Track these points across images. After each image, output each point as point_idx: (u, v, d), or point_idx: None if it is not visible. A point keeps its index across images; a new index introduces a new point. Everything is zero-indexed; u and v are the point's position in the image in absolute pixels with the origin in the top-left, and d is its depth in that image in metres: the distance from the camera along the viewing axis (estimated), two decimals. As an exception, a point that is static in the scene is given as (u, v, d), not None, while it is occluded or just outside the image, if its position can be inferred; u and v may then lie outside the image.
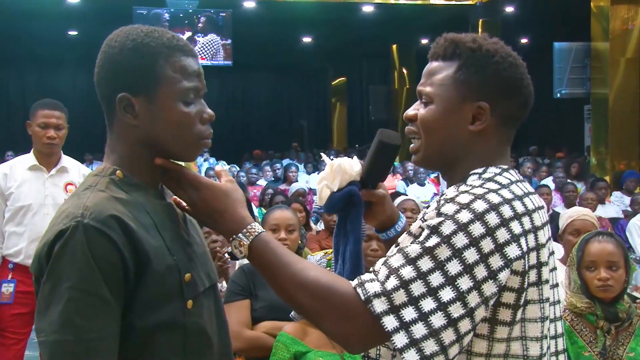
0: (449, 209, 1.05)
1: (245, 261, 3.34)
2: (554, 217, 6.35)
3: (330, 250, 4.20)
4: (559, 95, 10.67)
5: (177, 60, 1.12)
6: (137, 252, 1.03)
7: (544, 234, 1.11)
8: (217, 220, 1.12)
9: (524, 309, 1.07)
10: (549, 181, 8.55)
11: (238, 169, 10.69)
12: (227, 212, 1.12)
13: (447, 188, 1.18)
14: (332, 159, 1.31)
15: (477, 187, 1.08)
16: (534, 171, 9.45)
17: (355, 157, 1.32)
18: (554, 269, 1.18)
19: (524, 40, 15.38)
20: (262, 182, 9.31)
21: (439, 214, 1.05)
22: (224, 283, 3.14)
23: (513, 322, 1.06)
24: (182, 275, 1.10)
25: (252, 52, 14.19)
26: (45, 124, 3.02)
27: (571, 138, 12.95)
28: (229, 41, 10.67)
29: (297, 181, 8.41)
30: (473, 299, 1.01)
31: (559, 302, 1.20)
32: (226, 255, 3.42)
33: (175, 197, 1.18)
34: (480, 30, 12.36)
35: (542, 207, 1.15)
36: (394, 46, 15.56)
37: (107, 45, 1.14)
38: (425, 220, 1.07)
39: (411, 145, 1.23)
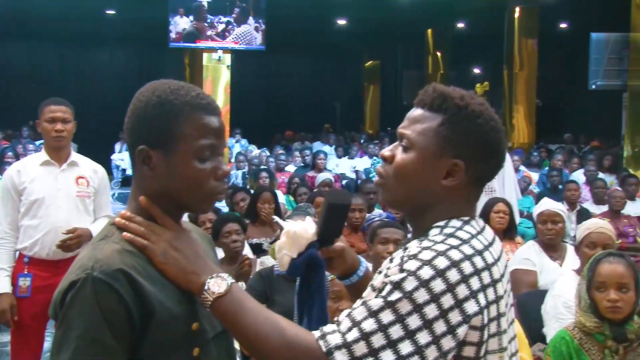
0: (411, 265, 1.08)
1: (264, 265, 3.39)
2: (582, 214, 6.29)
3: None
4: (594, 86, 10.44)
5: (197, 118, 1.17)
6: (143, 303, 1.10)
7: (502, 285, 1.14)
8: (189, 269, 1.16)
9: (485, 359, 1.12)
10: (580, 174, 8.43)
11: (268, 153, 10.78)
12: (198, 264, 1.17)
13: (411, 236, 1.23)
14: (285, 222, 1.35)
15: (439, 242, 1.11)
16: (565, 163, 9.32)
17: (308, 218, 1.36)
18: (510, 307, 1.22)
19: (562, 25, 15.02)
20: (290, 168, 9.38)
21: (401, 270, 1.08)
22: (244, 284, 3.24)
23: None
24: (189, 324, 1.16)
25: (286, 34, 14.18)
26: (52, 118, 3.13)
27: (608, 126, 12.66)
28: (263, 27, 10.70)
29: (326, 168, 8.47)
30: (431, 353, 1.04)
31: (514, 337, 1.24)
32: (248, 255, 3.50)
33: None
34: (517, 15, 12.13)
35: (500, 257, 1.19)
36: (429, 31, 15.36)
37: (136, 98, 1.21)
38: (388, 276, 1.10)
39: (377, 191, 1.25)
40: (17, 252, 3.19)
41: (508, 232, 4.47)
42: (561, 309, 2.89)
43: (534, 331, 3.01)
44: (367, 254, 4.23)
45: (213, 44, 10.97)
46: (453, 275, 1.06)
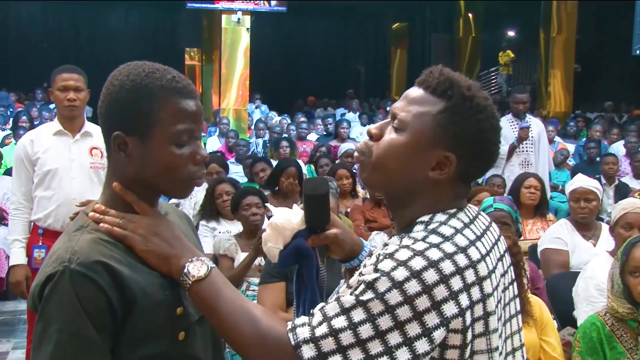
0: (386, 265, 1.07)
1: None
2: (620, 189, 6.20)
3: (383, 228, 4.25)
4: (638, 52, 10.18)
5: (173, 103, 1.17)
6: (123, 292, 1.12)
7: (491, 282, 1.11)
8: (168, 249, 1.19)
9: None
10: (619, 145, 8.27)
11: (289, 120, 10.77)
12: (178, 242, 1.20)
13: (395, 231, 1.21)
14: (272, 214, 1.34)
15: (419, 240, 1.09)
16: (604, 133, 9.15)
17: (295, 207, 1.35)
18: (509, 302, 1.21)
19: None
20: (312, 136, 9.37)
21: (375, 270, 1.07)
22: (262, 260, 3.27)
23: None
24: (172, 309, 1.19)
25: (308, -6, 14.03)
26: (64, 87, 3.15)
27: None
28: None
29: (349, 137, 8.44)
30: (402, 355, 1.04)
31: (518, 331, 1.23)
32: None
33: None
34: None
35: (492, 249, 1.16)
36: (461, -10, 15.09)
37: (109, 82, 1.20)
38: (363, 274, 1.09)
39: (357, 166, 1.23)
40: (32, 223, 3.26)
41: (539, 209, 4.43)
42: (593, 292, 2.87)
43: (564, 314, 3.01)
44: (390, 230, 4.26)
45: (232, 4, 10.89)
46: (430, 276, 1.04)
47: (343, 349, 1.05)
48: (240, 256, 3.42)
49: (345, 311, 1.07)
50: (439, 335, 1.05)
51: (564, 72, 12.11)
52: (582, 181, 3.80)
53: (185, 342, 1.21)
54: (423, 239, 1.09)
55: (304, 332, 1.08)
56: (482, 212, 1.25)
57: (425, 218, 1.15)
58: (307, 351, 1.07)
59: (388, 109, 13.45)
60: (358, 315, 1.06)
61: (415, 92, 1.18)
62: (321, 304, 1.13)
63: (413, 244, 1.08)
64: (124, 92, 1.17)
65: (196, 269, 1.16)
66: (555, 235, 3.68)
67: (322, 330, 1.07)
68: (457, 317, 1.05)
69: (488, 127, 1.16)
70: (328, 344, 1.06)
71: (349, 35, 19.67)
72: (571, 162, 7.92)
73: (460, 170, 1.16)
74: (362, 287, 1.07)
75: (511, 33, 17.82)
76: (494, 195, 3.63)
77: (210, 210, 4.16)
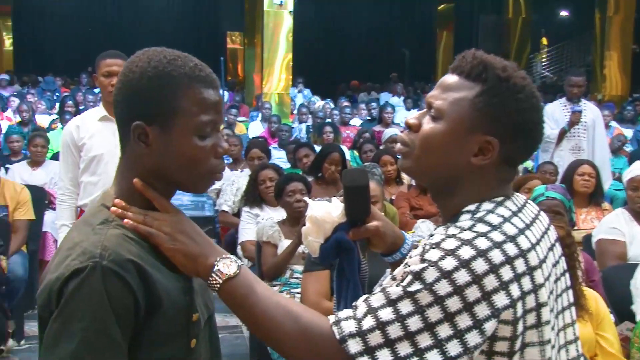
0: (433, 255, 1.05)
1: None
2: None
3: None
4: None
5: (196, 92, 1.13)
6: (151, 295, 1.09)
7: (542, 272, 1.09)
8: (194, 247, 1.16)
9: (522, 352, 1.08)
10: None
11: (332, 105, 10.74)
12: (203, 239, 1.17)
13: (441, 221, 1.19)
14: (314, 203, 1.33)
15: (466, 229, 1.07)
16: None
17: (334, 199, 1.33)
18: (561, 293, 1.18)
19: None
20: (355, 121, 9.32)
21: (422, 260, 1.05)
22: (306, 248, 3.27)
23: None
24: (190, 315, 1.17)
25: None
26: (108, 72, 3.20)
27: None
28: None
29: (394, 122, 8.36)
30: (453, 348, 1.02)
31: (572, 324, 1.20)
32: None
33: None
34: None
35: (542, 238, 1.14)
36: (511, -32, 14.75)
37: (127, 69, 1.16)
38: (409, 265, 1.07)
39: (399, 158, 1.21)
40: (79, 209, 3.32)
41: (594, 197, 4.31)
42: (652, 285, 2.78)
43: (622, 308, 2.92)
44: (436, 218, 4.21)
45: (274, -13, 10.87)
46: (479, 266, 1.02)
47: (391, 343, 1.03)
48: (284, 243, 3.42)
49: (391, 303, 1.05)
50: (490, 326, 1.03)
51: (621, 53, 11.76)
52: (640, 169, 3.67)
53: (195, 349, 1.20)
54: (470, 228, 1.08)
55: (349, 326, 1.06)
56: (529, 201, 1.22)
57: (472, 207, 1.13)
58: (354, 345, 1.05)
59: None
60: (406, 307, 1.04)
61: (449, 78, 1.17)
62: (365, 296, 1.11)
63: (460, 233, 1.07)
64: (146, 80, 1.12)
65: (226, 267, 1.12)
66: (611, 225, 3.57)
67: (368, 323, 1.05)
68: (508, 308, 1.03)
69: (528, 106, 1.14)
70: (375, 338, 1.04)
71: (393, 17, 19.47)
72: (628, 148, 7.69)
73: (503, 154, 1.14)
74: (409, 278, 1.05)
75: (564, 13, 17.34)
76: (546, 183, 3.55)
77: (254, 197, 4.18)
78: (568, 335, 1.20)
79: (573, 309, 1.23)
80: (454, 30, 17.77)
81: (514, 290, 1.04)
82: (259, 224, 3.78)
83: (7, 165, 5.85)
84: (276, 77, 10.98)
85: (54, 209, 4.96)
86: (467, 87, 1.14)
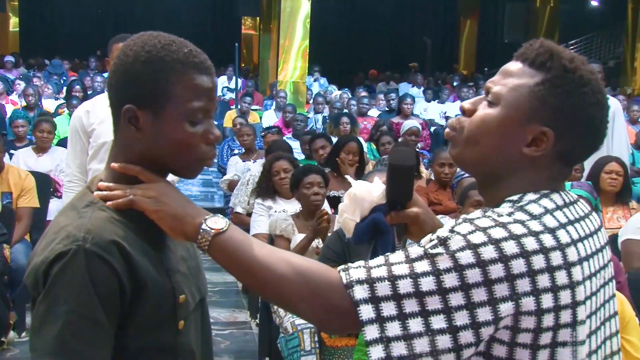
0: (463, 228, 1.05)
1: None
2: None
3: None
4: None
5: (189, 78, 1.16)
6: (135, 278, 1.13)
7: (582, 270, 1.07)
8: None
9: (554, 352, 1.06)
10: None
11: (350, 95, 10.72)
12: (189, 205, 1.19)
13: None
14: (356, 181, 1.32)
15: (504, 215, 1.07)
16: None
17: (376, 179, 1.32)
18: (609, 299, 1.17)
19: None
20: (373, 112, 9.30)
21: (451, 230, 1.06)
22: (320, 242, 3.28)
23: None
24: (177, 298, 1.20)
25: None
26: None
27: None
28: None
29: (413, 114, 8.34)
30: (461, 318, 1.02)
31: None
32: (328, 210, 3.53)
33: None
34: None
35: (591, 236, 1.13)
36: (539, -45, 14.61)
37: (122, 52, 1.19)
38: (436, 233, 1.08)
39: (450, 145, 1.21)
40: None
41: (621, 196, 4.28)
42: (681, 290, 2.77)
43: (648, 312, 2.90)
44: (455, 214, 4.20)
45: (292, -30, 10.84)
46: (509, 247, 1.02)
47: (399, 297, 1.03)
48: (297, 237, 3.43)
49: (409, 260, 1.05)
50: (505, 309, 1.02)
51: (654, 46, 11.61)
52: (672, 167, 3.65)
53: (183, 331, 1.22)
54: (508, 214, 1.07)
55: (358, 273, 1.06)
56: (582, 200, 1.19)
57: (515, 197, 1.13)
58: (359, 292, 1.04)
59: (455, 84, 13.27)
60: (422, 266, 1.03)
61: (512, 65, 1.16)
62: (387, 253, 1.11)
63: (497, 217, 1.06)
64: (139, 64, 1.16)
65: (214, 222, 1.14)
66: (638, 225, 3.56)
67: (379, 272, 1.05)
68: (529, 295, 1.02)
69: (593, 101, 1.12)
70: (383, 289, 1.03)
71: (415, 4, 19.36)
72: (658, 145, 7.61)
73: (559, 149, 1.13)
74: (434, 242, 1.06)
75: (594, 3, 17.16)
76: (572, 180, 3.53)
77: (267, 188, 4.17)
78: (613, 345, 1.19)
79: (617, 317, 1.21)
80: (478, 19, 17.65)
81: (543, 280, 1.03)
82: (272, 216, 3.78)
83: (12, 151, 5.87)
84: (292, 64, 10.97)
85: (59, 197, 4.99)
86: (529, 74, 1.12)
